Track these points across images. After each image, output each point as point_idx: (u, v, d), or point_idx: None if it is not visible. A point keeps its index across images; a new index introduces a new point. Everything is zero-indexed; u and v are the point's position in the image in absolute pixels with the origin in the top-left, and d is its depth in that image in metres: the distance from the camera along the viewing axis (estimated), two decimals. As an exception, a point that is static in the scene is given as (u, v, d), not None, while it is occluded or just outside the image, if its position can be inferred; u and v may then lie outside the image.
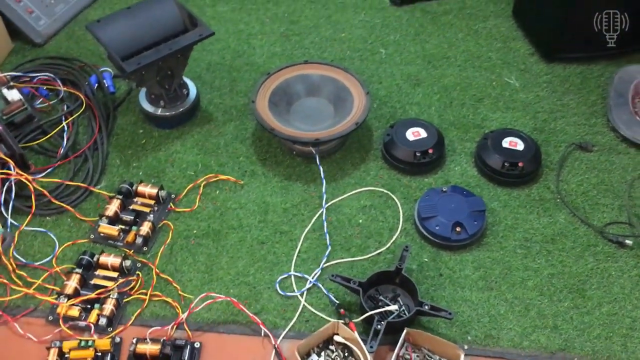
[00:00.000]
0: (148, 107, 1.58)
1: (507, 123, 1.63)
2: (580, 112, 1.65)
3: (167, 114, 1.57)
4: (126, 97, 1.68)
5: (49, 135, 1.54)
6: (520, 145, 1.49)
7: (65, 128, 1.55)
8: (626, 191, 1.47)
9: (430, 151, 1.48)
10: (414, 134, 1.52)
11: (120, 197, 1.43)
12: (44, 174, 1.50)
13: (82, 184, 1.46)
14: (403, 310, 1.24)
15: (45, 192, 1.42)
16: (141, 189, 1.44)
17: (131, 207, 1.42)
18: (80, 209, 1.44)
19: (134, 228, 1.38)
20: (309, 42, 1.85)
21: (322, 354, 1.20)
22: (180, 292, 1.30)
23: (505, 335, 1.24)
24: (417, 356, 1.19)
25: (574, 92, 1.71)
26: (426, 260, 1.36)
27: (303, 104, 1.57)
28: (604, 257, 1.36)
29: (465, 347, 1.22)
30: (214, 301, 1.27)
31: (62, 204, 1.42)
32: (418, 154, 1.48)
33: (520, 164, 1.45)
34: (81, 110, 1.59)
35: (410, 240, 1.39)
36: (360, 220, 1.43)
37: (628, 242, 1.37)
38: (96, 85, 1.68)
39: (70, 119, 1.56)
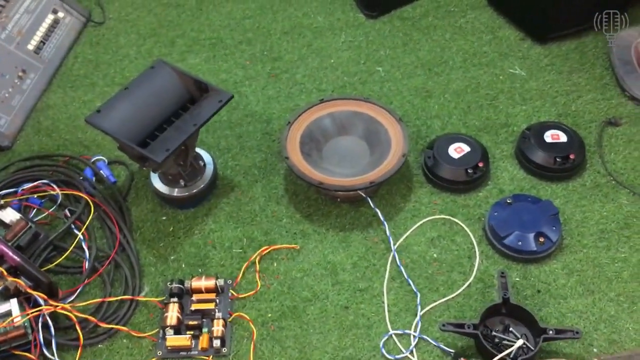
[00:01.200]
0: (165, 190, 1.42)
1: (530, 115, 1.60)
2: (593, 88, 1.65)
3: (190, 192, 1.41)
4: (131, 183, 1.50)
5: (67, 252, 1.33)
6: (563, 137, 1.46)
7: (82, 238, 1.35)
8: (670, 157, 1.48)
9: (481, 164, 1.42)
10: (457, 150, 1.45)
11: (176, 299, 1.26)
12: (75, 295, 1.30)
13: (125, 297, 1.28)
14: (524, 343, 1.17)
15: (90, 317, 1.23)
16: (196, 284, 1.28)
17: (192, 308, 1.26)
18: (133, 325, 1.26)
19: (205, 330, 1.22)
20: (301, 76, 1.73)
21: (463, 412, 1.10)
22: (284, 389, 1.16)
23: (626, 337, 1.20)
24: (563, 387, 1.12)
25: (578, 69, 1.70)
26: (517, 279, 1.30)
27: (334, 147, 1.46)
28: (680, 228, 1.35)
29: (594, 359, 1.17)
30: (333, 390, 1.14)
31: (111, 326, 1.24)
32: (470, 171, 1.41)
33: (571, 156, 1.42)
34: (91, 212, 1.39)
35: (492, 262, 1.32)
36: (435, 255, 1.34)
37: (697, 207, 1.36)
38: (93, 178, 1.48)
39: (83, 227, 1.37)
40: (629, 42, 1.70)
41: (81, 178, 1.47)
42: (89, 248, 1.35)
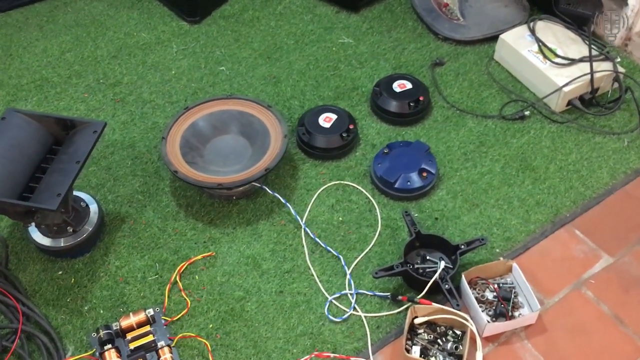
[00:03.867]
0: (52, 243, 1.32)
1: (371, 75, 1.75)
2: (412, 39, 1.85)
3: (81, 237, 1.33)
4: (7, 250, 1.37)
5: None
6: (408, 84, 1.63)
7: (-24, 321, 1.21)
8: (490, 76, 1.72)
9: (351, 126, 1.53)
10: (326, 120, 1.54)
11: (109, 346, 1.19)
12: (-8, 384, 1.16)
13: (51, 364, 1.18)
14: (445, 264, 1.30)
15: (23, 399, 1.12)
16: (125, 322, 1.22)
17: (131, 347, 1.20)
18: (72, 389, 1.17)
19: (154, 364, 1.18)
20: (147, 94, 1.70)
21: (418, 341, 1.21)
22: (254, 386, 1.17)
23: (515, 231, 1.40)
24: (489, 289, 1.27)
25: (394, 26, 1.89)
26: (416, 214, 1.43)
27: (214, 149, 1.47)
28: (520, 133, 1.59)
29: (501, 258, 1.34)
30: (303, 367, 1.18)
31: (49, 398, 1.13)
32: (344, 135, 1.51)
33: (421, 98, 1.59)
34: (-24, 292, 1.25)
35: (390, 208, 1.45)
36: (340, 218, 1.43)
37: (526, 113, 1.62)
38: (-39, 258, 1.33)
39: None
40: (426, -6, 1.93)
41: (-54, 262, 1.30)
42: (-11, 330, 1.21)
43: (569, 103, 1.62)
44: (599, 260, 1.35)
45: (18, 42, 1.84)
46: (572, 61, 1.63)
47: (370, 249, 1.37)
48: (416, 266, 1.31)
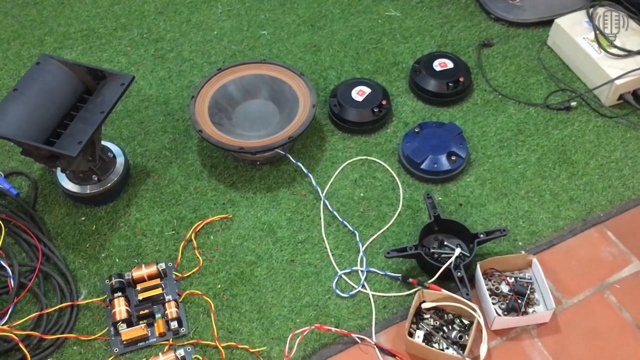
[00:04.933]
0: (78, 189, 1.35)
1: (414, 51, 1.69)
2: (462, 17, 1.77)
3: (105, 187, 1.36)
4: (37, 192, 1.41)
5: (-15, 274, 1.24)
6: (450, 64, 1.57)
7: (-2, 256, 1.26)
8: (540, 62, 1.64)
9: (384, 102, 1.49)
10: (359, 93, 1.51)
11: (119, 294, 1.22)
12: (7, 316, 1.22)
13: (63, 305, 1.22)
14: (461, 252, 1.26)
15: (32, 332, 1.17)
16: (137, 273, 1.25)
17: (140, 298, 1.22)
18: (80, 330, 1.21)
19: (158, 316, 1.20)
20: (187, 52, 1.71)
21: (423, 326, 1.18)
22: (252, 351, 1.17)
23: (543, 226, 1.34)
24: (505, 282, 1.23)
25: (445, 2, 1.82)
26: (440, 198, 1.39)
27: (243, 113, 1.46)
28: (563, 124, 1.51)
29: (522, 252, 1.29)
30: (302, 337, 1.17)
31: (57, 336, 1.18)
32: (376, 110, 1.48)
33: (461, 79, 1.53)
34: (2, 229, 1.30)
35: (414, 189, 1.41)
36: (362, 194, 1.40)
37: (573, 104, 1.54)
38: (-7, 195, 1.38)
39: (-4, 244, 1.27)
40: (483, -29, 1.84)
41: (-21, 198, 1.36)
42: (9, 265, 1.26)
43: (621, 97, 1.53)
44: (628, 265, 1.28)
45: (71, -9, 1.88)
46: (629, 53, 1.53)
47: (387, 228, 1.35)
48: (432, 250, 1.28)
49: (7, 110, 1.19)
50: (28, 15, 1.81)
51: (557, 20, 1.64)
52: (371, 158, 1.46)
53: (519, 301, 1.19)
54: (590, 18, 1.62)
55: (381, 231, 1.34)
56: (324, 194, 1.39)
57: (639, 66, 1.50)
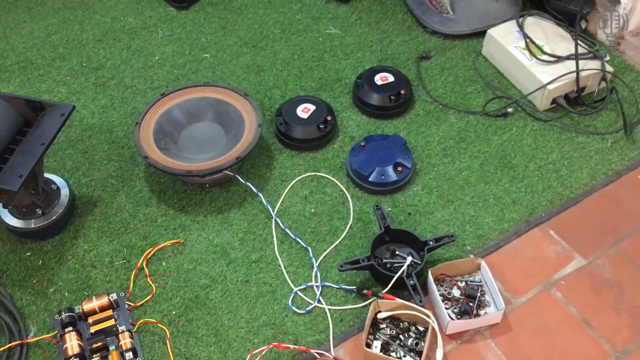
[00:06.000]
0: (22, 224, 1.32)
1: (355, 66, 1.73)
2: (400, 32, 1.83)
3: (49, 220, 1.33)
4: (-23, 229, 1.37)
5: None
6: (390, 77, 1.61)
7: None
8: (477, 72, 1.70)
9: (329, 118, 1.52)
10: (304, 110, 1.53)
11: (70, 328, 1.19)
12: (-48, 362, 1.17)
13: (12, 344, 1.18)
14: (412, 260, 1.29)
15: (-20, 378, 1.12)
16: (88, 306, 1.23)
17: (92, 331, 1.20)
18: (31, 370, 1.17)
19: (112, 348, 1.18)
20: (129, 79, 1.70)
21: (380, 336, 1.20)
22: (211, 375, 1.16)
23: (489, 229, 1.38)
24: (455, 286, 1.26)
25: (383, 18, 1.87)
26: (389, 209, 1.42)
27: (189, 136, 1.46)
28: (502, 130, 1.57)
29: (471, 256, 1.32)
30: (260, 356, 1.17)
31: (7, 378, 1.14)
32: (322, 126, 1.50)
33: (402, 92, 1.57)
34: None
35: (364, 201, 1.43)
36: (312, 210, 1.42)
37: (510, 110, 1.60)
38: None
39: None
40: (418, -14, 1.90)
41: None
42: (-48, 310, 1.21)
43: (554, 101, 1.60)
44: (571, 262, 1.33)
45: (5, 23, 1.84)
46: (559, 59, 1.60)
47: (340, 242, 1.36)
48: (384, 261, 1.30)
49: (-58, 147, 1.16)
50: (-39, 49, 1.76)
51: (490, 31, 1.71)
52: (320, 174, 1.48)
53: (471, 304, 1.22)
54: (521, 27, 1.69)
55: (334, 245, 1.35)
56: (275, 212, 1.40)
57: (568, 71, 1.57)
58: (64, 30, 1.82)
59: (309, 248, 1.34)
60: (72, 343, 1.17)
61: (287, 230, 1.37)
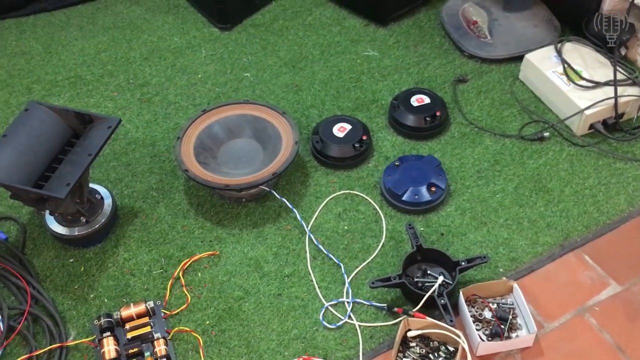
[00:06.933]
0: (66, 231, 1.37)
1: (392, 88, 1.76)
2: (437, 55, 1.85)
3: (93, 228, 1.38)
4: (25, 236, 1.43)
5: (-25, 318, 1.25)
6: (426, 99, 1.63)
7: (-12, 301, 1.27)
8: (513, 96, 1.71)
9: (365, 137, 1.54)
10: (340, 130, 1.56)
11: (108, 333, 1.23)
12: (-4, 361, 1.22)
13: (52, 346, 1.23)
14: (443, 280, 1.29)
15: (21, 377, 1.17)
16: (126, 312, 1.26)
17: (128, 337, 1.24)
18: (69, 372, 1.22)
19: (147, 354, 1.21)
20: (173, 95, 1.76)
21: (410, 355, 1.20)
22: (242, 385, 1.19)
23: (522, 252, 1.38)
24: (487, 307, 1.26)
25: (420, 41, 1.90)
26: (422, 228, 1.43)
27: (227, 151, 1.50)
28: (537, 154, 1.57)
29: (503, 278, 1.32)
30: (291, 369, 1.19)
31: (47, 379, 1.18)
32: (357, 145, 1.53)
33: (438, 114, 1.59)
34: (-9, 273, 1.32)
35: (396, 220, 1.45)
36: (346, 227, 1.44)
37: (546, 134, 1.60)
38: (-19, 240, 1.40)
39: (-14, 288, 1.28)
40: (456, 10, 1.93)
41: (-33, 243, 1.38)
42: (-1, 309, 1.27)
43: (591, 126, 1.59)
44: (606, 288, 1.31)
45: (58, 40, 1.93)
46: (597, 84, 1.60)
47: (372, 260, 1.38)
48: (415, 279, 1.31)
49: (-4, 155, 1.22)
50: (16, 65, 1.86)
51: (527, 56, 1.72)
52: (354, 192, 1.50)
53: (502, 326, 1.22)
54: (559, 52, 1.69)
55: (366, 262, 1.37)
56: (309, 228, 1.42)
57: (606, 96, 1.56)
58: (112, 48, 1.90)
59: (341, 264, 1.36)
60: (110, 348, 1.21)
61: (320, 246, 1.39)
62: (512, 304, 1.27)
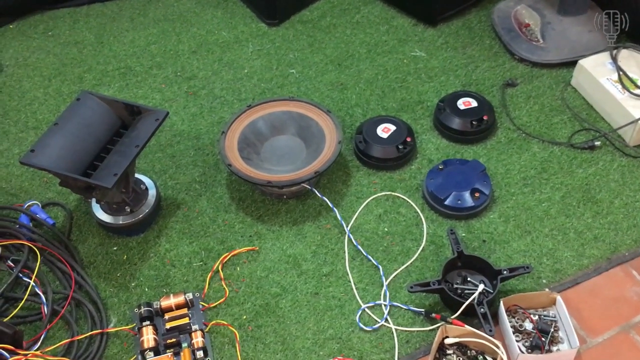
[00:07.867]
0: (111, 220, 1.40)
1: (438, 90, 1.73)
2: (486, 57, 1.81)
3: (136, 218, 1.40)
4: (71, 222, 1.47)
5: (22, 301, 1.29)
6: (474, 103, 1.60)
7: (34, 284, 1.31)
8: (564, 102, 1.66)
9: (409, 139, 1.53)
10: (384, 130, 1.55)
11: (148, 322, 1.25)
12: (40, 342, 1.26)
13: (93, 332, 1.26)
14: (484, 288, 1.27)
15: (63, 358, 1.20)
16: (165, 303, 1.28)
17: (167, 327, 1.25)
18: (108, 358, 1.24)
19: (185, 345, 1.23)
20: (219, 89, 1.77)
21: (446, 361, 1.19)
22: (276, 382, 1.19)
23: (567, 264, 1.34)
24: (528, 319, 1.23)
25: (470, 43, 1.86)
26: (463, 234, 1.41)
27: (271, 148, 1.51)
28: (587, 164, 1.53)
29: (546, 290, 1.29)
30: (325, 369, 1.19)
31: (87, 364, 1.21)
32: (400, 147, 1.51)
33: (485, 118, 1.56)
34: (38, 257, 1.35)
35: (438, 224, 1.43)
36: (386, 229, 1.43)
37: (597, 143, 1.55)
38: (30, 224, 1.44)
39: (32, 273, 1.32)
40: (508, 12, 1.89)
41: (17, 226, 1.42)
42: (44, 292, 1.30)
43: (645, 137, 1.54)
44: (654, 305, 1.27)
45: (110, 31, 1.97)
46: (654, 94, 1.54)
47: (411, 263, 1.36)
48: (455, 286, 1.29)
49: (48, 143, 1.25)
50: (69, 54, 1.90)
51: (581, 62, 1.67)
52: (395, 194, 1.49)
53: (543, 339, 1.19)
54: (614, 59, 1.64)
55: (405, 266, 1.36)
56: (348, 228, 1.42)
57: (663, 107, 1.51)
58: (162, 40, 1.93)
59: (380, 266, 1.35)
60: (148, 337, 1.23)
61: (359, 247, 1.38)
62: (554, 317, 1.24)
